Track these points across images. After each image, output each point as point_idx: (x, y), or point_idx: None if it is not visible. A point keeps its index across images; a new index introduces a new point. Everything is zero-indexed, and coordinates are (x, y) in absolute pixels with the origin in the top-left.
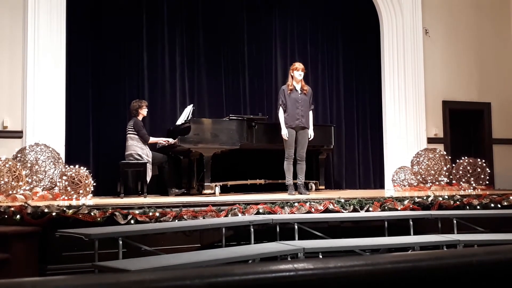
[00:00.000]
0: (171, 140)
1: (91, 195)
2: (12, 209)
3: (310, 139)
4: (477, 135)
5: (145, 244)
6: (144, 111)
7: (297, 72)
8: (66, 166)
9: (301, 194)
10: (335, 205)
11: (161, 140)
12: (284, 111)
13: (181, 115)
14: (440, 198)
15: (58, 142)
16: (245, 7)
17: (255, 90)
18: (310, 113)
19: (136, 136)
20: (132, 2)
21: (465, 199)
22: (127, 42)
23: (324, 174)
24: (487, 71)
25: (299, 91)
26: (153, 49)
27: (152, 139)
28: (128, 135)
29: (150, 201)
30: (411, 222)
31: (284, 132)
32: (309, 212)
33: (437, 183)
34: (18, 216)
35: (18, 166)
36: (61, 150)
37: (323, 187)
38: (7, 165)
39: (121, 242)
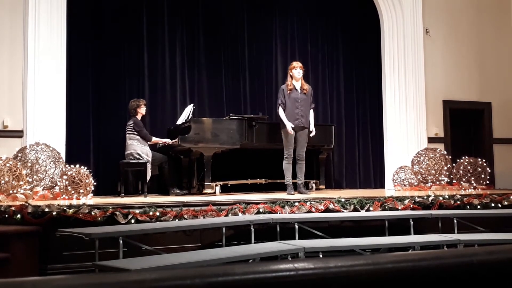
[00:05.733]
0: (168, 141)
1: (92, 194)
2: (13, 208)
3: (311, 135)
4: (478, 135)
5: (145, 243)
6: (142, 110)
7: (296, 70)
8: (67, 165)
9: (301, 193)
10: (336, 205)
11: (163, 141)
12: (284, 111)
13: (181, 115)
14: (441, 198)
15: (58, 142)
16: (245, 7)
17: (255, 90)
18: (311, 111)
19: (136, 136)
20: (132, 2)
21: (466, 198)
22: (128, 42)
23: (324, 173)
24: (487, 71)
25: (299, 91)
26: (153, 49)
27: (155, 139)
28: (128, 134)
29: (151, 200)
30: (412, 222)
31: (289, 126)
32: (309, 211)
33: (437, 182)
34: (18, 216)
35: (18, 166)
36: (62, 150)
37: (324, 187)
38: (7, 165)
39: (121, 242)
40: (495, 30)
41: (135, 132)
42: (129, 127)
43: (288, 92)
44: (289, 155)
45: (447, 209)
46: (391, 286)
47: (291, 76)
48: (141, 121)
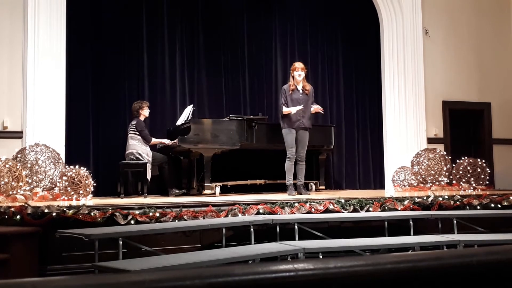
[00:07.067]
0: (167, 141)
1: (91, 195)
2: (12, 209)
3: (315, 109)
4: (477, 135)
5: (145, 244)
6: (145, 112)
7: (297, 72)
8: (66, 166)
9: (301, 194)
10: (335, 205)
11: (162, 141)
12: None
13: (181, 116)
14: (440, 198)
15: (58, 143)
16: (245, 7)
17: (255, 90)
18: (312, 108)
19: (138, 136)
20: (132, 3)
21: (465, 199)
22: (127, 42)
23: (324, 174)
24: (487, 71)
25: (301, 91)
26: (153, 49)
27: (154, 140)
28: (130, 134)
29: (150, 201)
30: (411, 222)
31: (294, 110)
32: (309, 212)
33: (437, 183)
34: (18, 217)
35: (18, 167)
36: (61, 151)
37: (323, 187)
38: (7, 166)
39: (121, 243)
40: (495, 30)
41: (137, 132)
42: (131, 127)
43: (290, 92)
44: (292, 155)
45: (447, 210)
46: (390, 286)
47: (293, 77)
48: (144, 122)
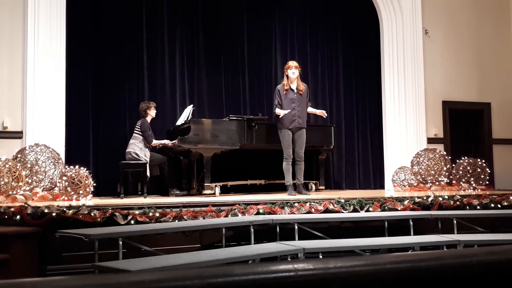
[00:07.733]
0: (167, 142)
1: (91, 195)
2: (12, 209)
3: (319, 113)
4: (477, 135)
5: (145, 244)
6: (152, 112)
7: (290, 70)
8: (66, 166)
9: (300, 194)
10: (335, 205)
11: (163, 142)
12: None
13: (181, 116)
14: (440, 198)
15: (58, 143)
16: (245, 7)
17: (255, 90)
18: (309, 108)
19: (140, 137)
20: (132, 2)
21: (465, 199)
22: (127, 42)
23: (324, 174)
24: (487, 71)
25: (295, 91)
26: (153, 49)
27: (155, 142)
28: (133, 134)
29: (150, 201)
30: (411, 222)
31: (283, 112)
32: (309, 212)
33: (437, 183)
34: (18, 217)
35: (18, 167)
36: (61, 151)
37: (323, 187)
38: (7, 166)
39: (121, 243)
40: (495, 30)
41: (140, 132)
42: (137, 126)
43: (284, 92)
44: (288, 155)
45: (447, 210)
46: (390, 286)
47: (287, 76)
48: (149, 123)
